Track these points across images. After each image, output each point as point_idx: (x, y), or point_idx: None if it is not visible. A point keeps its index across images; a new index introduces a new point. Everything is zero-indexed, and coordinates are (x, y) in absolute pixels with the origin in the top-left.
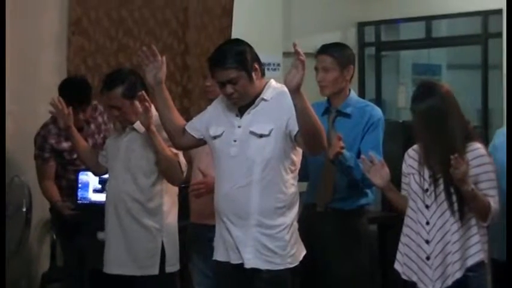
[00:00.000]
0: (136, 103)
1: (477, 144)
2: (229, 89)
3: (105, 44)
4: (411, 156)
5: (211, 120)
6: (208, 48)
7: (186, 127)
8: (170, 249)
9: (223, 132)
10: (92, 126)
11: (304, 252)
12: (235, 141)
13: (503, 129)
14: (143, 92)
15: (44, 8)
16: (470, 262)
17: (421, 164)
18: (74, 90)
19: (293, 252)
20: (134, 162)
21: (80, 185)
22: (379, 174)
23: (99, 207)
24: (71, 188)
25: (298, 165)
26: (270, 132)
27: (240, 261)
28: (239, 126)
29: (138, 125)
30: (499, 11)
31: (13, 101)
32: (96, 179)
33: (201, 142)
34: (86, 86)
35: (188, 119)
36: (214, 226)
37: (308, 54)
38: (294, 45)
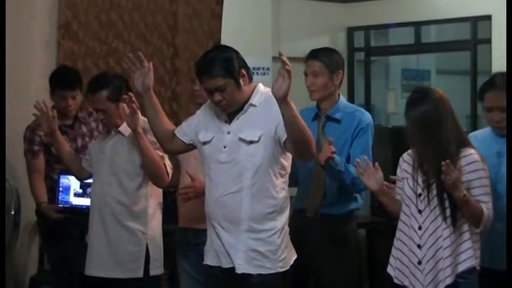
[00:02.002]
0: (122, 106)
1: (471, 149)
2: (217, 96)
3: (94, 47)
4: (406, 161)
5: (200, 126)
6: (197, 52)
7: (176, 132)
8: (154, 252)
9: (213, 138)
10: (84, 128)
11: (295, 256)
12: (225, 147)
13: (474, 133)
14: (130, 93)
15: (34, 11)
16: (461, 268)
17: (414, 169)
18: (64, 75)
19: (284, 257)
20: (119, 165)
21: (60, 189)
22: (373, 178)
23: (80, 211)
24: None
25: (289, 170)
26: (259, 139)
27: (231, 265)
28: (228, 132)
29: (123, 128)
30: (487, 17)
31: None
32: (78, 182)
33: (191, 147)
34: (76, 73)
35: (177, 122)
36: (202, 230)
37: (297, 59)
38: (280, 54)
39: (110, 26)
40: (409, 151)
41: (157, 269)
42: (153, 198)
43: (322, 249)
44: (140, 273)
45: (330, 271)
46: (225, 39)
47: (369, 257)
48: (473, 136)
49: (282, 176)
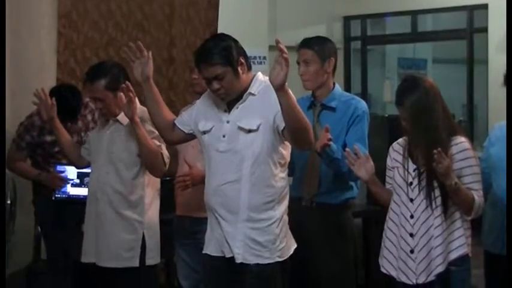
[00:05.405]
0: (120, 95)
1: (461, 138)
2: (215, 85)
3: (93, 37)
4: (396, 150)
5: (200, 115)
6: (194, 42)
7: (176, 122)
8: (151, 241)
9: (213, 128)
10: (80, 123)
11: (294, 246)
12: (224, 136)
13: (499, 124)
14: (128, 82)
15: (34, 1)
16: (453, 256)
17: (405, 158)
18: (63, 102)
19: (282, 246)
20: (116, 154)
21: None
22: (364, 168)
23: (77, 201)
24: None
25: (288, 159)
26: (258, 127)
27: (230, 255)
28: (228, 122)
29: (121, 117)
30: (484, 6)
31: None
32: (75, 173)
33: (191, 136)
34: (76, 99)
35: (174, 112)
36: (200, 219)
37: (294, 48)
38: (277, 42)
39: (109, 15)
40: (399, 140)
41: (153, 258)
42: (150, 188)
43: (318, 238)
44: (136, 263)
45: (325, 260)
46: (222, 29)
47: (365, 246)
48: (497, 126)
49: (281, 165)
